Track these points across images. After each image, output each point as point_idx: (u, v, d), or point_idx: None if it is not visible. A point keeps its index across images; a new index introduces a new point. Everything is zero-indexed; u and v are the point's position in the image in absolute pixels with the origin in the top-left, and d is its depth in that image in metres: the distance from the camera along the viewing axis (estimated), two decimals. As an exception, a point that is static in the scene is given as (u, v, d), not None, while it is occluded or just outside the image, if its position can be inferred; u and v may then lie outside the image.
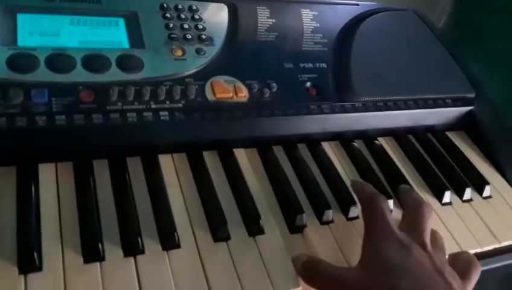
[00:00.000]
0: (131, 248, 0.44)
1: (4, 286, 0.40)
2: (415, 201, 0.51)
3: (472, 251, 0.56)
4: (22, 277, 0.40)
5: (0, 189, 0.46)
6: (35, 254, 0.41)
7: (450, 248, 0.55)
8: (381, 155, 0.64)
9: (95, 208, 0.46)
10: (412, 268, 0.42)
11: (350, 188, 0.57)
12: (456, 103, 0.69)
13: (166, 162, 0.54)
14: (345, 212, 0.55)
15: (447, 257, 0.49)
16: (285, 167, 0.58)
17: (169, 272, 0.44)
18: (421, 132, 0.69)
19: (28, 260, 0.41)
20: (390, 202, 0.56)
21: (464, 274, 0.45)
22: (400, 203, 0.54)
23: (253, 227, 0.50)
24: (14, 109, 0.47)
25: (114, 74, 0.54)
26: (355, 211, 0.55)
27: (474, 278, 0.46)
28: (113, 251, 0.44)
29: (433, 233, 0.49)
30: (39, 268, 0.41)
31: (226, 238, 0.48)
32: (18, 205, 0.45)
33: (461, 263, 0.48)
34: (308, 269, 0.46)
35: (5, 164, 0.48)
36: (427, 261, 0.43)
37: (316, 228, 0.53)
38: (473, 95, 0.71)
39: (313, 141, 0.62)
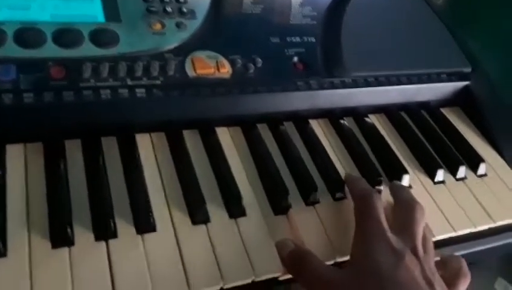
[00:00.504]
0: (103, 231, 0.42)
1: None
2: (408, 201, 0.48)
3: (466, 231, 0.54)
4: (-15, 263, 0.38)
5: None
6: (-2, 238, 0.39)
7: (443, 229, 0.53)
8: (372, 133, 0.61)
9: (65, 190, 0.44)
10: (401, 279, 0.39)
11: (338, 168, 0.55)
12: (451, 77, 0.66)
13: (144, 142, 0.51)
14: (332, 192, 0.52)
15: (437, 257, 0.47)
16: (270, 146, 0.55)
17: (143, 257, 0.42)
18: (414, 109, 0.66)
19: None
20: (382, 196, 0.52)
21: (452, 283, 0.45)
22: (393, 199, 0.51)
23: (235, 208, 0.48)
24: (-21, 86, 0.45)
25: (87, 49, 0.51)
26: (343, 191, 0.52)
27: (462, 287, 0.45)
28: (84, 234, 0.42)
29: (423, 233, 0.47)
30: (3, 254, 0.39)
31: (205, 220, 0.46)
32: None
33: (450, 270, 0.46)
34: (295, 261, 0.44)
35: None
36: (418, 270, 0.41)
37: (301, 209, 0.50)
38: (469, 70, 0.68)
39: (300, 119, 0.60)
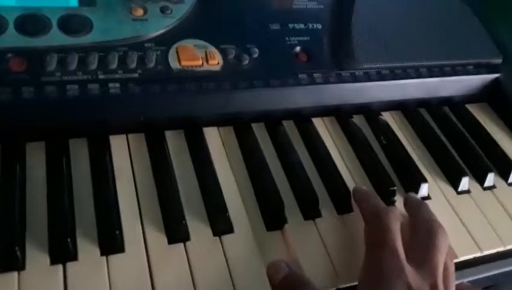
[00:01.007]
0: (59, 251, 0.36)
1: None
2: (428, 224, 0.40)
3: (493, 250, 0.46)
4: None
5: None
6: None
7: (467, 248, 0.45)
8: (385, 133, 0.53)
9: (17, 198, 0.38)
10: None
11: (344, 175, 0.47)
12: (479, 69, 0.58)
13: (119, 144, 0.45)
14: (337, 205, 0.45)
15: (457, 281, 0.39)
16: (266, 149, 0.48)
17: (106, 278, 0.35)
18: (435, 105, 0.58)
19: None
20: (398, 207, 0.45)
21: None
22: (408, 215, 0.43)
23: (220, 224, 0.41)
24: None
25: (54, 38, 0.44)
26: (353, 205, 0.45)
27: None
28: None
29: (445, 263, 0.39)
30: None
31: (185, 238, 0.39)
32: None
33: None
34: None
35: None
36: None
37: (299, 224, 0.43)
38: (499, 61, 0.60)
39: (303, 117, 0.52)
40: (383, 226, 0.38)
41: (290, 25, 0.54)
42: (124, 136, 0.46)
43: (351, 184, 0.47)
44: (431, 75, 0.55)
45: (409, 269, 0.35)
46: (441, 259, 0.37)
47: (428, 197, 0.48)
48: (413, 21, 0.57)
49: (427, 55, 0.55)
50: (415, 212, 0.43)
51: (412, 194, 0.46)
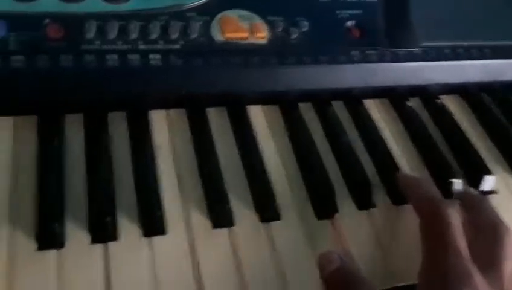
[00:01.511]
0: (99, 230, 0.34)
1: None
2: (493, 227, 0.36)
3: None
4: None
5: None
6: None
7: None
8: (444, 118, 0.49)
9: (57, 177, 0.35)
10: None
11: (399, 162, 0.43)
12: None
13: (158, 120, 0.42)
14: (392, 194, 0.41)
15: None
16: (314, 131, 0.44)
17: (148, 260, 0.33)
18: (499, 90, 0.53)
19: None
20: (459, 184, 0.41)
21: None
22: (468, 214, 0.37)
23: (266, 210, 0.38)
24: (-40, 45, 0.37)
25: (93, 4, 0.41)
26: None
27: None
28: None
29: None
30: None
31: (228, 223, 0.36)
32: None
33: None
34: (338, 286, 0.33)
35: None
36: None
37: (350, 213, 0.39)
38: None
39: (353, 98, 0.48)
40: (444, 222, 0.34)
41: (342, -4, 0.49)
42: (164, 111, 0.43)
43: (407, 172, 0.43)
44: (496, 56, 0.50)
45: (478, 276, 0.31)
46: (508, 267, 0.33)
47: (493, 192, 0.43)
48: (480, -5, 0.52)
49: (493, 33, 0.50)
50: (476, 208, 0.38)
51: (471, 190, 0.42)
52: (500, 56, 0.50)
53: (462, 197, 0.40)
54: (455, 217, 0.35)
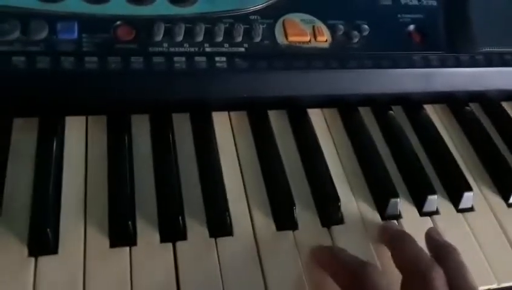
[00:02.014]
0: (170, 231, 0.34)
1: None
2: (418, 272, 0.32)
3: None
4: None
5: (18, 144, 0.37)
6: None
7: None
8: (505, 124, 0.48)
9: (128, 175, 0.37)
10: None
11: (461, 165, 0.43)
12: None
13: (222, 122, 0.43)
14: (455, 200, 0.41)
15: None
16: (374, 134, 0.44)
17: (215, 260, 0.33)
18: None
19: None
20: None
21: None
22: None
23: (331, 214, 0.38)
24: (36, 46, 0.38)
25: (160, 7, 0.42)
26: (470, 199, 0.40)
27: None
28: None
29: None
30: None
31: (292, 226, 0.37)
32: (37, 166, 0.36)
33: None
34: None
35: (25, 114, 0.39)
36: None
37: (413, 219, 0.39)
38: None
39: (413, 103, 0.48)
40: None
41: (403, 1, 0.49)
42: (226, 113, 0.43)
43: (469, 179, 0.42)
44: (558, 62, 0.49)
45: None
46: None
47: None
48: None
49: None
50: (398, 248, 0.35)
51: (390, 222, 0.38)
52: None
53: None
54: (379, 277, 0.31)
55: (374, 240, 0.37)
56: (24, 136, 0.38)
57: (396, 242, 0.35)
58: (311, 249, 0.36)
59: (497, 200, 0.42)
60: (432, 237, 0.36)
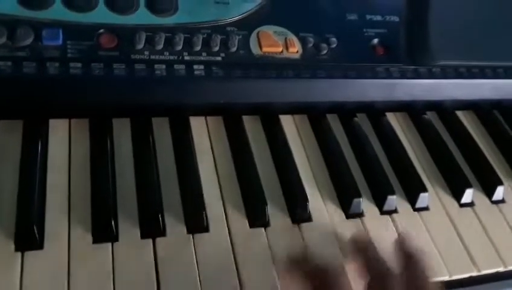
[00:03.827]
0: (150, 227, 0.37)
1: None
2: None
3: (492, 270, 0.43)
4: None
5: (4, 145, 0.39)
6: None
7: (463, 265, 0.42)
8: (459, 132, 0.52)
9: (110, 176, 0.39)
10: None
11: (418, 168, 0.47)
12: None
13: (199, 126, 0.45)
14: (412, 200, 0.45)
15: None
16: (340, 139, 0.48)
17: (193, 255, 0.36)
18: (509, 107, 0.57)
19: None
20: (469, 192, 0.45)
21: None
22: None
23: (299, 212, 0.41)
24: (22, 52, 0.40)
25: (142, 16, 0.45)
26: (426, 199, 0.44)
27: None
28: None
29: None
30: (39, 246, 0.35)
31: (264, 224, 0.40)
32: (22, 165, 0.38)
33: None
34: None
35: (10, 116, 0.41)
36: None
37: (374, 217, 0.43)
38: None
39: (376, 111, 0.52)
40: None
41: (368, 16, 0.53)
42: (203, 118, 0.46)
43: (425, 181, 0.46)
44: (508, 76, 0.54)
45: None
46: None
47: (502, 201, 0.47)
48: (496, 18, 0.56)
49: (506, 54, 0.54)
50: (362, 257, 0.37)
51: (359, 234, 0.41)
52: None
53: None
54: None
55: (338, 235, 0.41)
56: (9, 137, 0.39)
57: (363, 250, 0.37)
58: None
59: (450, 201, 0.46)
60: (403, 245, 0.37)
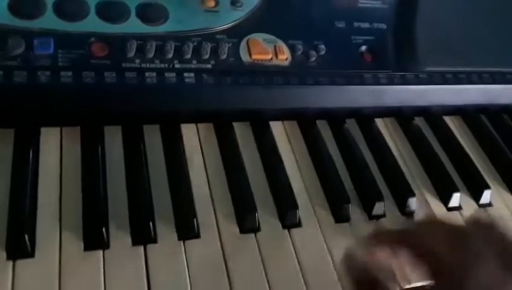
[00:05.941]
0: (141, 235, 0.37)
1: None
2: None
3: None
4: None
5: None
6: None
7: None
8: (446, 136, 0.53)
9: (101, 184, 0.39)
10: None
11: (406, 173, 0.48)
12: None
13: (190, 133, 0.46)
14: (400, 204, 0.45)
15: None
16: (329, 145, 0.49)
17: (184, 262, 0.37)
18: (495, 112, 0.58)
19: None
20: (457, 196, 0.46)
21: None
22: None
23: (289, 218, 0.41)
24: (13, 61, 0.40)
25: (133, 25, 0.45)
26: (413, 203, 0.45)
27: None
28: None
29: None
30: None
31: (254, 229, 0.40)
32: (13, 173, 0.38)
33: None
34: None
35: (1, 125, 0.41)
36: None
37: (362, 222, 0.44)
38: None
39: (365, 117, 0.52)
40: None
41: (356, 24, 0.54)
42: (194, 125, 0.47)
43: (413, 185, 0.47)
44: (494, 81, 0.55)
45: None
46: None
47: (489, 205, 0.48)
48: (481, 24, 0.57)
49: (491, 61, 0.55)
50: None
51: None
52: (498, 81, 0.55)
53: None
54: None
55: (327, 240, 0.41)
56: (0, 145, 0.40)
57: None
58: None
59: (437, 204, 0.47)
60: None
